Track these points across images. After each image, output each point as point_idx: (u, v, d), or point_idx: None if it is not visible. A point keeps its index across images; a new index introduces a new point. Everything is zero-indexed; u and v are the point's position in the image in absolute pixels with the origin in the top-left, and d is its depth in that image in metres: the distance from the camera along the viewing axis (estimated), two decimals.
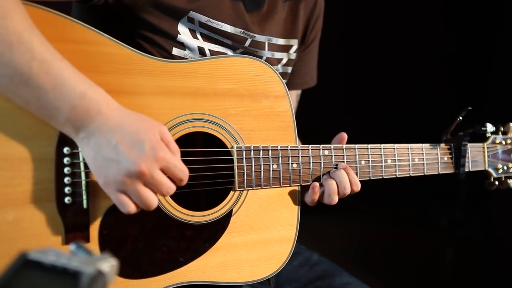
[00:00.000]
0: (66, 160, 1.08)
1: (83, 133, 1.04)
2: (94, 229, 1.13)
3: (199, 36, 1.34)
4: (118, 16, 1.26)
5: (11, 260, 0.59)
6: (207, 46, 1.36)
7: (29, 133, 1.05)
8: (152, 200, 1.06)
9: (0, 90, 1.02)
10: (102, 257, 0.63)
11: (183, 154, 1.19)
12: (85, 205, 1.10)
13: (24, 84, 0.99)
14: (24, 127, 1.05)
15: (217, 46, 1.38)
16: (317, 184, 1.36)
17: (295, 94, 1.75)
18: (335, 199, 1.37)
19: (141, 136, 1.04)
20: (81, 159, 1.09)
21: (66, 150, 1.08)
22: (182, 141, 1.21)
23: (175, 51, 1.32)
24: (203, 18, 1.33)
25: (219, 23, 1.35)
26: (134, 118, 1.07)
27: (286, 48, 1.53)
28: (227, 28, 1.37)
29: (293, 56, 1.57)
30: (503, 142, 1.71)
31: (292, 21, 1.56)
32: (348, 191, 1.38)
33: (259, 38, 1.45)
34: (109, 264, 0.62)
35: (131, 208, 1.05)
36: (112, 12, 1.24)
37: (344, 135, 1.44)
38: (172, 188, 1.08)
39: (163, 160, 1.05)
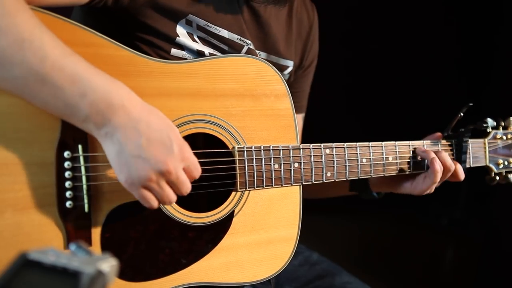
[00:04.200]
0: (67, 164, 1.07)
1: (106, 128, 1.01)
2: (96, 232, 1.12)
3: (197, 39, 1.34)
4: (117, 18, 1.26)
5: (11, 260, 0.59)
6: (207, 50, 1.36)
7: (29, 137, 1.05)
8: (173, 198, 1.09)
9: (17, 93, 1.00)
10: (102, 257, 0.63)
11: None
12: (86, 209, 1.09)
13: (40, 83, 0.97)
14: (24, 132, 1.04)
15: (215, 51, 1.38)
16: (436, 158, 1.47)
17: (301, 117, 1.74)
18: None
19: (169, 136, 1.05)
20: (82, 163, 1.09)
21: (66, 154, 1.07)
22: None
23: (174, 51, 1.31)
24: (202, 22, 1.33)
25: (217, 27, 1.36)
26: (156, 115, 1.06)
27: (280, 67, 1.53)
28: (225, 33, 1.37)
29: (286, 77, 1.57)
30: (504, 137, 1.71)
31: (288, 43, 1.57)
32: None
33: (254, 47, 1.46)
34: (109, 264, 0.62)
35: (156, 203, 1.07)
36: (111, 14, 1.24)
37: (439, 134, 1.61)
38: (189, 188, 1.11)
39: (188, 160, 1.08)
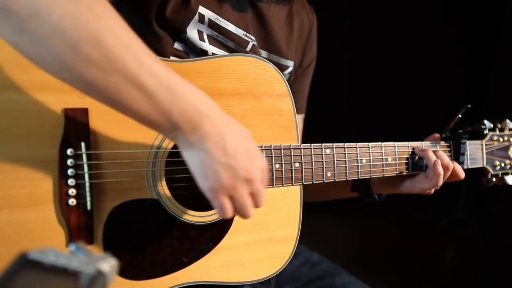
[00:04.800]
0: (69, 161, 1.07)
1: (194, 136, 1.00)
2: (98, 230, 1.13)
3: (205, 38, 1.34)
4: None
5: (11, 260, 0.59)
6: (212, 50, 1.36)
7: (32, 134, 1.05)
8: (251, 211, 1.09)
9: (105, 97, 0.95)
10: (102, 257, 0.63)
11: None
12: (89, 207, 1.10)
13: (135, 89, 0.93)
14: (27, 129, 1.04)
15: (220, 50, 1.38)
16: (438, 160, 1.48)
17: (301, 118, 1.74)
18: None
19: (251, 146, 1.07)
20: (84, 160, 1.09)
21: (69, 151, 1.07)
22: None
23: (176, 45, 1.31)
24: (213, 16, 1.33)
25: (226, 22, 1.36)
26: (235, 124, 1.07)
27: (280, 67, 1.53)
28: (232, 28, 1.38)
29: (286, 77, 1.57)
30: (500, 139, 1.72)
31: (289, 43, 1.58)
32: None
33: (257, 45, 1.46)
34: (109, 264, 0.62)
35: (231, 214, 1.07)
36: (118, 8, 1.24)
37: (437, 135, 1.62)
38: (264, 201, 1.11)
39: (264, 171, 1.10)
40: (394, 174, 1.51)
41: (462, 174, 1.55)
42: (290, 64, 1.58)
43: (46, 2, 0.85)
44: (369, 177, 1.47)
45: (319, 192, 1.63)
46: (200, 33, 1.33)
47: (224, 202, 1.04)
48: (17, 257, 0.60)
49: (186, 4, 1.28)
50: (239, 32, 1.40)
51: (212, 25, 1.34)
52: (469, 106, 1.58)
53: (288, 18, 1.58)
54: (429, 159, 1.49)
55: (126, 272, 1.15)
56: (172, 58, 1.29)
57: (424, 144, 1.56)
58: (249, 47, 1.43)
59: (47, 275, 0.59)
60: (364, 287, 1.60)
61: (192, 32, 1.31)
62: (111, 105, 0.97)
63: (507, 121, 1.74)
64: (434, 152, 1.51)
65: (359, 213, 2.79)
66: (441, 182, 1.50)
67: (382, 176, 1.49)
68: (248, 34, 1.42)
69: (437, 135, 1.64)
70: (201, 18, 1.31)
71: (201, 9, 1.30)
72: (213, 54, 1.36)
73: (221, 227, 1.28)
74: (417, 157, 1.54)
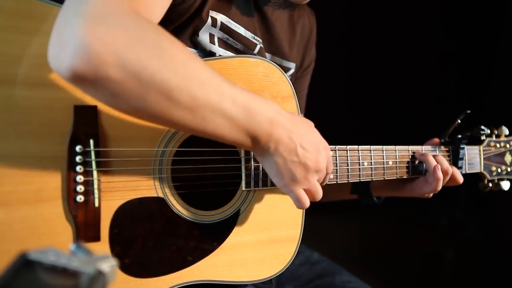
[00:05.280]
0: (78, 158, 1.08)
1: (269, 144, 1.09)
2: (105, 227, 1.14)
3: (216, 41, 1.36)
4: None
5: (11, 260, 0.59)
6: (220, 52, 1.37)
7: (41, 131, 1.06)
8: (321, 193, 1.21)
9: (191, 129, 1.01)
10: (102, 257, 0.63)
11: (191, 154, 1.20)
12: (96, 204, 1.11)
13: (221, 117, 1.00)
14: (36, 125, 1.05)
15: (227, 52, 1.39)
16: (438, 166, 1.51)
17: None
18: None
19: (316, 137, 1.18)
20: (93, 157, 1.10)
21: (78, 148, 1.08)
22: (190, 141, 1.23)
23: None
24: (224, 19, 1.34)
25: (236, 24, 1.38)
26: (300, 121, 1.17)
27: (283, 69, 1.53)
28: (242, 31, 1.39)
29: None
30: (497, 145, 1.75)
31: (291, 45, 1.59)
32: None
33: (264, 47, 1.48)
34: (109, 264, 0.62)
35: (307, 204, 1.18)
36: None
37: (436, 140, 1.65)
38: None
39: (329, 159, 1.21)
40: (395, 177, 1.52)
41: (460, 179, 1.57)
42: (292, 66, 1.60)
43: (137, 62, 0.89)
44: (370, 179, 1.48)
45: None
46: (211, 36, 1.34)
47: (300, 194, 1.16)
48: (17, 257, 0.60)
49: (199, 11, 1.29)
50: (248, 34, 1.41)
51: (223, 28, 1.35)
52: (468, 112, 1.59)
53: (290, 21, 1.60)
54: (429, 164, 1.51)
55: (131, 269, 1.16)
56: None
57: (424, 149, 1.58)
58: (256, 50, 1.44)
59: (47, 275, 0.59)
60: (364, 286, 1.61)
61: (203, 35, 1.32)
62: (196, 134, 1.04)
63: (503, 127, 1.77)
64: (434, 156, 1.53)
65: (359, 213, 2.80)
66: (440, 186, 1.52)
67: (382, 179, 1.50)
68: (256, 37, 1.43)
69: (437, 139, 1.66)
70: (214, 22, 1.32)
71: (213, 13, 1.31)
72: (220, 56, 1.37)
73: (226, 227, 1.29)
74: (417, 161, 1.55)
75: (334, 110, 2.93)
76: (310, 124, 1.21)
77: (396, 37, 3.01)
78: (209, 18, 1.31)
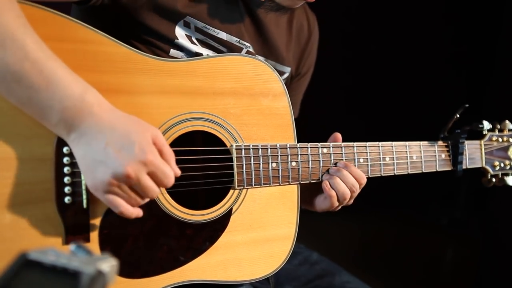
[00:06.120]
0: (65, 159, 1.08)
1: (74, 134, 1.01)
2: (94, 228, 1.13)
3: (195, 41, 1.35)
4: (116, 18, 1.26)
5: (11, 260, 0.59)
6: (206, 52, 1.37)
7: (28, 132, 1.05)
8: (139, 202, 1.06)
9: None
10: (102, 257, 0.62)
11: (182, 153, 1.19)
12: (85, 205, 1.10)
13: (16, 83, 0.98)
14: (23, 127, 1.05)
15: (213, 53, 1.39)
16: (327, 183, 1.37)
17: None
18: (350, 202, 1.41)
19: (131, 138, 1.01)
20: None
21: (65, 149, 1.08)
22: (181, 140, 1.22)
23: (172, 52, 1.32)
24: (199, 24, 1.34)
25: (215, 30, 1.37)
26: (126, 120, 1.04)
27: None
28: (223, 35, 1.39)
29: None
30: (500, 140, 1.72)
31: (287, 49, 1.58)
32: (357, 187, 1.38)
33: (254, 50, 1.47)
34: (109, 264, 0.62)
35: (124, 209, 1.04)
36: (109, 13, 1.25)
37: (338, 136, 1.44)
38: (157, 192, 1.06)
39: (152, 164, 1.02)
40: (393, 174, 1.51)
41: (362, 178, 1.41)
42: (287, 70, 1.59)
43: None
44: (367, 176, 1.45)
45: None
46: (188, 37, 1.34)
47: (108, 198, 1.03)
48: (17, 257, 0.60)
49: (172, 10, 1.29)
50: (232, 39, 1.41)
51: (199, 30, 1.35)
52: (467, 106, 1.58)
53: (289, 24, 1.59)
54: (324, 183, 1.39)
55: (122, 270, 1.15)
56: (167, 58, 1.29)
57: (422, 144, 1.56)
58: (243, 53, 1.44)
59: (47, 275, 0.59)
60: (364, 286, 1.59)
61: (181, 38, 1.32)
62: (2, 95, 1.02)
63: (507, 122, 1.74)
64: (336, 172, 1.39)
65: (359, 213, 2.78)
66: (336, 203, 1.39)
67: (380, 175, 1.48)
68: (242, 41, 1.43)
69: (339, 135, 1.47)
70: (187, 24, 1.32)
71: (188, 18, 1.32)
72: (207, 55, 1.36)
73: (218, 226, 1.28)
74: (415, 157, 1.54)
75: (332, 109, 2.93)
76: (143, 130, 1.04)
77: (396, 37, 3.01)
78: (182, 21, 1.31)
